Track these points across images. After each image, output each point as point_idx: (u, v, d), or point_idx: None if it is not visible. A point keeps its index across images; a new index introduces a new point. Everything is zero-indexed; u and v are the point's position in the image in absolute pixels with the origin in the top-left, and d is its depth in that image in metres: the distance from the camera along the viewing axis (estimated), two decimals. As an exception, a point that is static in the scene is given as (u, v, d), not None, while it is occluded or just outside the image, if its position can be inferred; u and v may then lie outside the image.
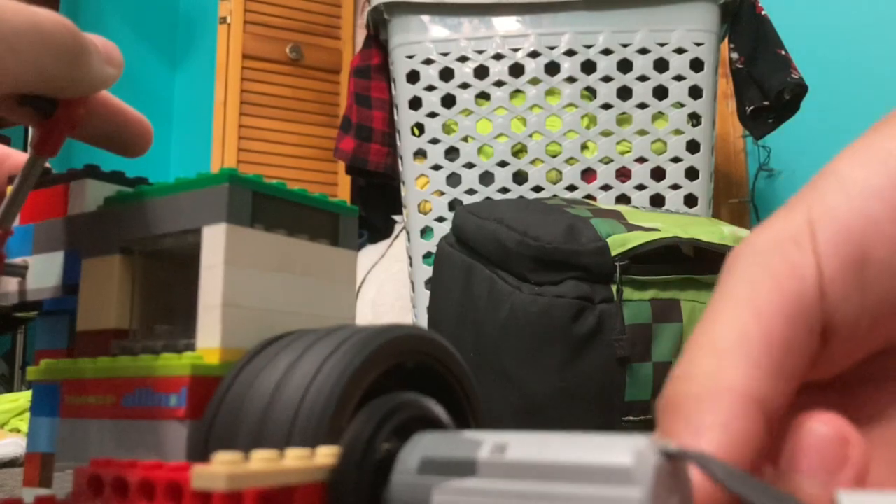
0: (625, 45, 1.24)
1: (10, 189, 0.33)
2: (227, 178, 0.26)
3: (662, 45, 1.23)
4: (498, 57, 1.26)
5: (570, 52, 1.25)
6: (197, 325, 0.26)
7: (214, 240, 0.26)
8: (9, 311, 0.34)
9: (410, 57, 1.28)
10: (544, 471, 0.18)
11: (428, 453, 0.20)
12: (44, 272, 0.31)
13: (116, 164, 0.32)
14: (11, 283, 0.32)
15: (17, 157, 0.35)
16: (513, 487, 0.18)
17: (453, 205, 1.25)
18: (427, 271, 1.23)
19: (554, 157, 1.24)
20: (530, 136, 1.25)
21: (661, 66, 1.24)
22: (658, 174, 1.24)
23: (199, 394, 0.24)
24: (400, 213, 1.45)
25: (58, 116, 0.29)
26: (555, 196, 1.16)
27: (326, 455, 0.20)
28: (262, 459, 0.19)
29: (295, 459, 0.20)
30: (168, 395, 0.25)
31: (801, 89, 1.33)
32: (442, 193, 1.26)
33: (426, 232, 1.27)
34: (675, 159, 1.23)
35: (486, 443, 0.20)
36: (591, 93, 1.26)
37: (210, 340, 0.25)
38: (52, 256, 0.31)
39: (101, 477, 0.21)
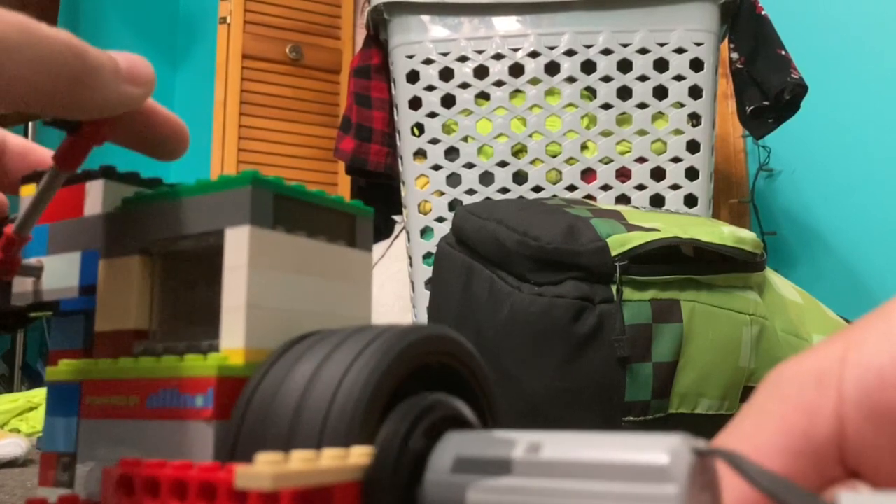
0: (625, 45, 1.24)
1: (24, 189, 0.33)
2: (249, 180, 0.26)
3: (662, 45, 1.24)
4: (498, 57, 1.27)
5: (570, 52, 1.25)
6: (220, 326, 0.26)
7: (238, 241, 0.26)
8: (23, 311, 0.34)
9: (410, 57, 1.28)
10: (580, 469, 0.18)
11: (461, 452, 0.21)
12: (60, 272, 0.31)
13: (118, 162, 0.32)
14: (26, 284, 0.32)
15: (39, 153, 0.35)
16: (549, 485, 0.19)
17: (453, 205, 1.25)
18: (427, 271, 1.23)
19: (554, 157, 1.25)
20: (530, 136, 1.25)
21: (660, 66, 1.24)
22: (658, 174, 1.24)
23: (225, 394, 0.25)
24: (400, 213, 1.45)
25: (82, 133, 0.28)
26: (555, 196, 1.16)
27: (361, 455, 0.21)
28: (301, 459, 0.19)
29: (332, 459, 0.20)
30: (194, 395, 0.25)
31: (801, 89, 1.33)
32: (442, 193, 1.27)
33: (426, 232, 1.27)
34: (675, 159, 1.24)
35: (520, 442, 0.20)
36: (591, 93, 1.26)
37: (234, 341, 0.26)
38: (69, 257, 0.31)
39: (132, 477, 0.21)
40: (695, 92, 1.24)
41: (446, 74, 1.28)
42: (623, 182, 1.24)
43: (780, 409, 0.22)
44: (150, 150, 0.32)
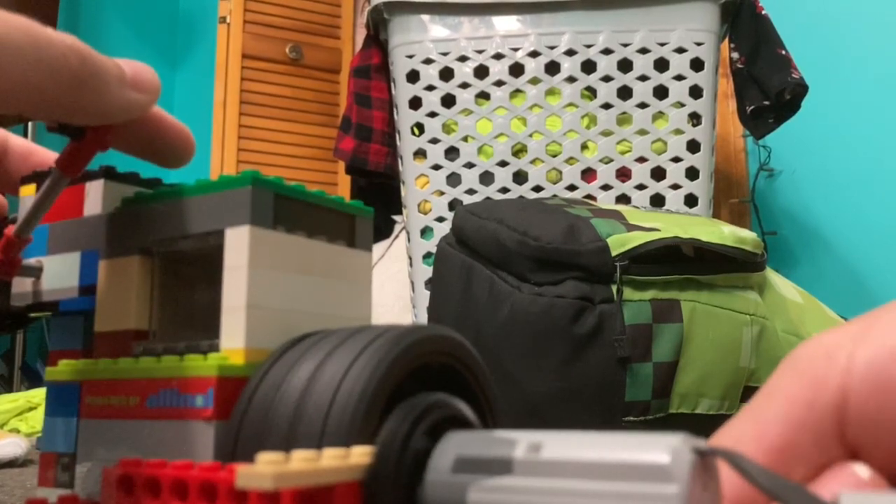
0: (625, 45, 1.24)
1: (23, 189, 0.33)
2: (249, 180, 0.26)
3: (662, 44, 1.24)
4: (498, 57, 1.27)
5: (570, 52, 1.25)
6: (221, 326, 0.26)
7: (238, 241, 0.26)
8: (23, 311, 0.34)
9: (410, 57, 1.28)
10: (581, 469, 0.18)
11: (462, 452, 0.21)
12: (60, 273, 0.31)
13: (118, 162, 0.32)
14: (26, 284, 0.32)
15: (41, 155, 0.35)
16: (550, 485, 0.19)
17: (453, 205, 1.25)
18: (427, 271, 1.23)
19: (554, 157, 1.25)
20: (530, 136, 1.25)
21: (661, 65, 1.24)
22: (658, 174, 1.24)
23: (225, 394, 0.25)
24: (400, 213, 1.45)
25: (86, 140, 0.28)
26: (555, 196, 1.16)
27: (362, 454, 0.21)
28: (302, 459, 0.19)
29: (332, 459, 0.20)
30: (194, 395, 0.25)
31: (801, 89, 1.33)
32: (442, 193, 1.27)
33: (426, 232, 1.27)
34: (676, 159, 1.24)
35: (521, 442, 0.20)
36: (591, 92, 1.26)
37: (234, 341, 0.26)
38: (69, 257, 0.31)
39: (132, 477, 0.21)
40: (695, 92, 1.24)
41: (446, 74, 1.28)
42: (623, 182, 1.24)
43: (789, 384, 0.22)
44: (154, 157, 0.32)
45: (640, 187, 1.24)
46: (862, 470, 0.21)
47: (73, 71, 0.25)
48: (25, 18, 0.25)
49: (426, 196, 1.27)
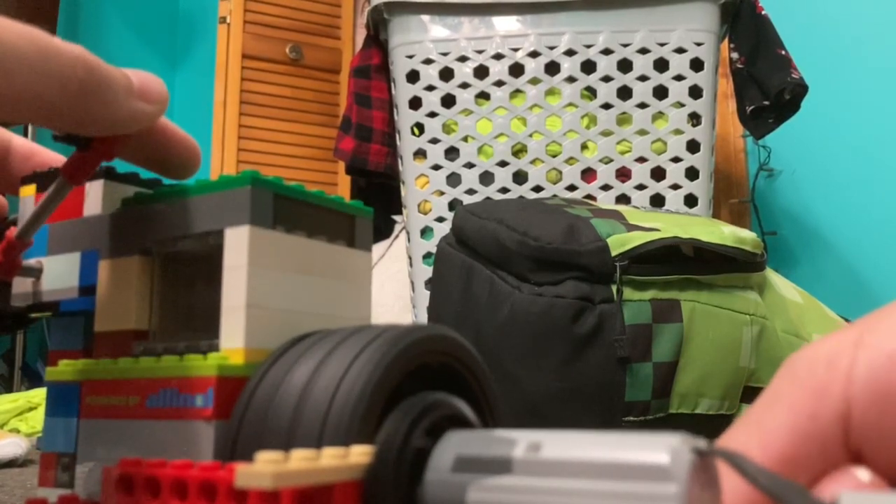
0: (625, 45, 1.24)
1: (23, 189, 0.33)
2: (249, 180, 0.26)
3: (662, 44, 1.24)
4: (498, 57, 1.27)
5: (570, 52, 1.25)
6: (220, 326, 0.26)
7: (238, 241, 0.26)
8: (23, 312, 0.34)
9: (410, 57, 1.28)
10: (580, 468, 0.18)
11: (462, 451, 0.21)
12: (60, 273, 0.32)
13: (117, 162, 0.31)
14: (26, 284, 0.33)
15: (44, 155, 0.35)
16: (549, 485, 0.19)
17: (453, 205, 1.25)
18: (427, 271, 1.23)
19: (554, 157, 1.25)
20: (530, 136, 1.25)
21: (661, 65, 1.24)
22: (658, 174, 1.24)
23: (225, 394, 0.25)
24: (400, 213, 1.45)
25: (92, 149, 0.28)
26: (555, 196, 1.16)
27: (361, 454, 0.21)
28: (301, 458, 0.19)
29: (332, 458, 0.20)
30: (194, 395, 0.25)
31: (801, 89, 1.33)
32: (442, 193, 1.27)
33: (426, 232, 1.27)
34: (675, 159, 1.24)
35: (521, 441, 0.20)
36: (591, 93, 1.26)
37: (234, 341, 0.26)
38: (69, 258, 0.31)
39: (132, 476, 0.21)
40: (695, 92, 1.24)
41: (446, 74, 1.28)
42: (623, 182, 1.24)
43: (790, 392, 0.22)
44: (160, 168, 0.32)
45: (640, 187, 1.24)
46: (863, 474, 0.21)
47: (80, 81, 0.25)
48: (32, 27, 0.25)
49: (426, 196, 1.27)
